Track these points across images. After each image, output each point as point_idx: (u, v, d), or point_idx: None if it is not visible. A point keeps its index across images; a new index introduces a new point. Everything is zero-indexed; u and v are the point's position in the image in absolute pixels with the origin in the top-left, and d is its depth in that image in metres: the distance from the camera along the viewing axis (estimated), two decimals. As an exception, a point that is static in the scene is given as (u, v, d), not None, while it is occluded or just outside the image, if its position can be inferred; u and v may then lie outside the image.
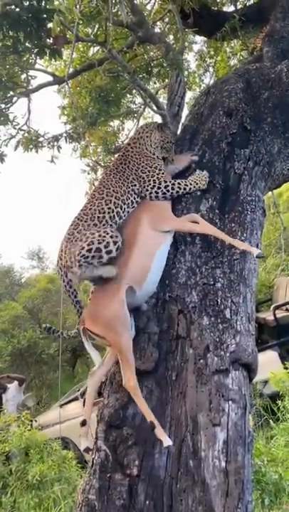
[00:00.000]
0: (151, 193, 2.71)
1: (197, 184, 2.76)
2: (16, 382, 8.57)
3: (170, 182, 2.73)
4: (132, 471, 2.12)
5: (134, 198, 2.73)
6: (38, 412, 9.48)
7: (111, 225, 2.58)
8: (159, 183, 2.71)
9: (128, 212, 2.69)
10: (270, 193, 6.29)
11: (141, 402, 2.13)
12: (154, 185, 2.71)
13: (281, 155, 3.13)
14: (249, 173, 2.91)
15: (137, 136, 2.92)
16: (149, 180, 2.72)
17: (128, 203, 2.69)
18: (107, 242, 2.40)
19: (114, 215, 2.60)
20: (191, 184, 2.76)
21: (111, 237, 2.42)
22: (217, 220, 2.74)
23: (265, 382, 6.11)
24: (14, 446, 5.51)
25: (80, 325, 2.42)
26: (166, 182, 2.72)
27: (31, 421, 6.62)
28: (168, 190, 2.72)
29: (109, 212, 2.59)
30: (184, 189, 2.74)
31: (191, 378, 2.27)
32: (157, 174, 2.74)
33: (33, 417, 7.66)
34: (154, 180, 2.72)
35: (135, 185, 2.74)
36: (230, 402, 2.20)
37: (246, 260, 2.65)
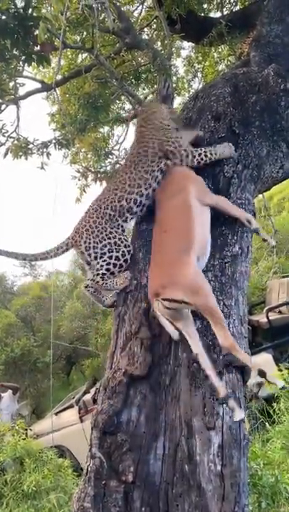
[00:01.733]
0: (187, 162, 2.81)
1: (224, 152, 2.84)
2: (9, 391, 8.51)
3: (201, 150, 2.83)
4: (127, 478, 2.10)
5: (157, 178, 2.81)
6: (33, 421, 9.40)
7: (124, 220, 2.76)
8: (191, 151, 2.82)
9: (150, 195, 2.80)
10: (260, 196, 6.33)
11: (240, 354, 2.20)
12: (187, 154, 2.81)
13: (270, 158, 3.14)
14: (238, 176, 2.92)
15: (147, 115, 2.99)
16: (180, 151, 2.81)
17: (150, 184, 2.79)
18: (123, 252, 2.66)
19: (131, 207, 2.75)
20: (219, 151, 2.84)
21: (125, 246, 2.68)
22: (208, 223, 2.74)
23: (260, 384, 6.11)
24: (9, 456, 5.45)
25: (152, 298, 2.38)
26: (196, 150, 2.83)
27: (26, 430, 6.56)
28: (202, 158, 2.81)
29: (115, 209, 2.73)
30: (214, 156, 2.83)
31: (185, 382, 2.26)
32: (182, 143, 2.84)
33: (28, 425, 7.59)
34: (184, 149, 2.82)
35: (161, 161, 2.82)
36: (224, 405, 2.20)
37: (237, 263, 2.66)
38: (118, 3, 4.47)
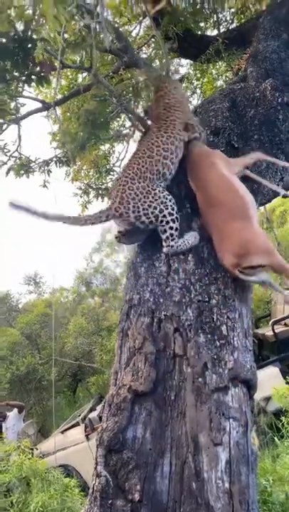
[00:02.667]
0: (203, 138, 3.03)
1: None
2: (15, 410, 8.43)
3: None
4: (133, 497, 2.06)
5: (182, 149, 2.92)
6: (39, 440, 9.30)
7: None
8: (203, 129, 3.07)
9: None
10: (262, 208, 6.34)
11: None
12: (202, 131, 3.03)
13: (270, 171, 3.17)
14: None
15: (170, 88, 3.07)
16: (198, 126, 3.02)
17: (178, 153, 2.87)
18: (172, 206, 2.66)
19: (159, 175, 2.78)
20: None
21: (170, 200, 2.67)
22: (209, 237, 2.75)
23: (268, 398, 6.02)
24: (15, 476, 5.37)
25: (233, 269, 2.50)
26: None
27: (32, 449, 6.48)
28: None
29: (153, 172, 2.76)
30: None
31: (190, 398, 2.24)
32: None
33: (34, 444, 7.50)
34: (198, 126, 3.03)
35: (186, 132, 2.95)
36: (231, 420, 2.17)
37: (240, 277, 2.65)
38: (116, 24, 4.58)
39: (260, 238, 2.56)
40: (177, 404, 2.25)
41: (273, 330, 6.99)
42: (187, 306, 2.49)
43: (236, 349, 2.35)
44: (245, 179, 3.00)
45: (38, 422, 11.26)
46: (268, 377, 6.12)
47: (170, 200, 2.68)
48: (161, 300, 2.54)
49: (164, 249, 2.66)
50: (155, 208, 2.63)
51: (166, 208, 2.64)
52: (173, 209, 2.66)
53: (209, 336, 2.37)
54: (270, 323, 7.31)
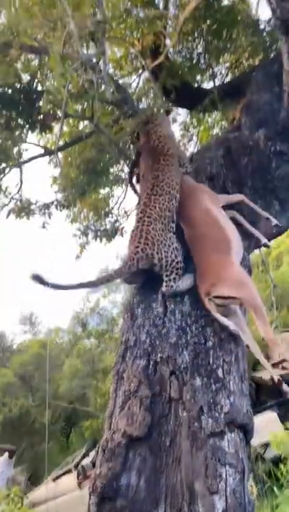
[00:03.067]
0: (187, 169, 3.24)
1: None
2: (6, 454, 8.14)
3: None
4: None
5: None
6: (29, 488, 8.91)
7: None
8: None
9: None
10: (257, 251, 6.43)
11: (278, 348, 2.36)
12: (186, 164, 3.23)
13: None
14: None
15: (165, 125, 3.30)
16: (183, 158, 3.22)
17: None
18: (181, 254, 2.75)
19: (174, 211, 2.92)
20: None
21: (180, 248, 2.77)
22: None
23: (266, 445, 5.86)
24: (3, 528, 5.13)
25: (204, 298, 2.54)
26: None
27: (22, 497, 6.21)
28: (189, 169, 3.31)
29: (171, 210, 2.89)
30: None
31: (186, 443, 2.20)
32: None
33: (24, 492, 7.19)
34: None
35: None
36: (227, 466, 2.13)
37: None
38: (117, 76, 4.83)
39: (233, 269, 2.60)
40: (172, 450, 2.21)
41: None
42: (183, 348, 2.49)
43: (232, 393, 2.34)
44: (238, 223, 3.08)
45: (29, 468, 10.84)
46: (266, 423, 5.98)
47: (179, 249, 2.78)
48: (158, 342, 2.55)
49: (164, 289, 2.71)
50: (172, 252, 2.72)
51: (179, 254, 2.75)
52: (181, 255, 2.76)
53: (205, 379, 2.36)
54: (268, 366, 7.20)
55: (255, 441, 5.59)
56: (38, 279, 2.50)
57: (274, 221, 3.12)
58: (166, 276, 2.70)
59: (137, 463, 2.16)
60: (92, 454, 7.01)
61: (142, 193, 3.08)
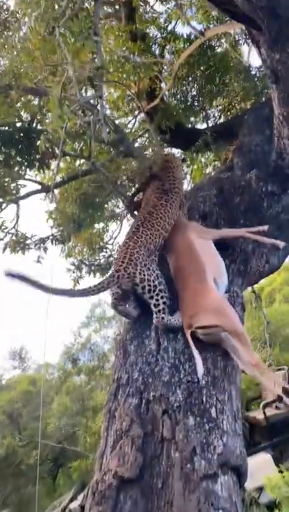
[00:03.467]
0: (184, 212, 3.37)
1: None
2: (-10, 499, 7.79)
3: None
4: None
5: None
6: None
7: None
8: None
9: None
10: (250, 288, 6.45)
11: (267, 375, 2.23)
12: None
13: (256, 253, 3.31)
14: (226, 270, 3.05)
15: (176, 167, 3.42)
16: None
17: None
18: (164, 283, 2.81)
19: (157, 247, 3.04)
20: None
21: (162, 277, 2.84)
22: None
23: (260, 489, 5.66)
24: None
25: (186, 330, 2.56)
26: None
27: None
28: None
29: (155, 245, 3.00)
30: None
31: (178, 486, 2.14)
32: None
33: None
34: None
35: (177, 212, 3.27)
36: (220, 511, 2.07)
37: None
38: (113, 117, 5.00)
39: (210, 297, 2.61)
40: (164, 492, 2.15)
41: (264, 413, 6.76)
42: (176, 386, 2.47)
43: (226, 433, 2.30)
44: (232, 260, 3.13)
45: (14, 512, 10.35)
46: (260, 465, 5.79)
47: (162, 278, 2.83)
48: (150, 380, 2.52)
49: (154, 320, 2.73)
50: (156, 278, 2.78)
51: (161, 284, 2.79)
52: (165, 287, 2.80)
53: (198, 418, 2.33)
54: (261, 405, 7.08)
55: (249, 484, 5.42)
56: (11, 274, 2.54)
57: (281, 244, 3.19)
58: (155, 306, 2.73)
59: (128, 506, 2.09)
60: (80, 497, 6.74)
61: (133, 223, 3.16)
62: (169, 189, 3.23)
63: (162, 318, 2.70)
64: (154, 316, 2.72)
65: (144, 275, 2.76)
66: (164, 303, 2.73)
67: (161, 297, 2.74)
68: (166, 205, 3.12)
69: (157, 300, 2.73)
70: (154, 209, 3.10)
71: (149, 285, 2.75)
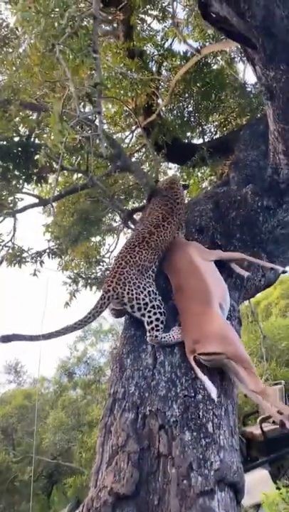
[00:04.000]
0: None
1: None
2: (-18, 517, 7.63)
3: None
4: None
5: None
6: None
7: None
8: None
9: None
10: (246, 302, 6.46)
11: (273, 402, 2.30)
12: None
13: (252, 267, 3.33)
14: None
15: (180, 189, 3.43)
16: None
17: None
18: (160, 299, 2.80)
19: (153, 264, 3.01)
20: None
21: (157, 293, 2.83)
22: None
23: (258, 506, 5.57)
24: None
25: (189, 355, 2.51)
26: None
27: None
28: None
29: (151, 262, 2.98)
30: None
31: (175, 503, 2.11)
32: None
33: None
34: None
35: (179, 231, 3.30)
36: (217, 527, 2.04)
37: (226, 370, 2.66)
38: (110, 133, 5.05)
39: (217, 325, 2.55)
40: (161, 509, 2.12)
41: (262, 428, 6.69)
42: (173, 401, 2.45)
43: (222, 448, 2.28)
44: (229, 275, 3.14)
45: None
46: (257, 481, 5.72)
47: (157, 294, 2.81)
48: (147, 394, 2.51)
49: (148, 339, 2.72)
50: (146, 295, 2.77)
51: (155, 300, 2.77)
52: (161, 303, 2.79)
53: (195, 433, 2.31)
54: (258, 420, 7.02)
55: (247, 501, 5.34)
56: (7, 338, 2.57)
57: (280, 268, 3.20)
58: (147, 324, 2.72)
59: (123, 526, 2.06)
60: (75, 514, 6.61)
61: (130, 237, 3.16)
62: (174, 210, 3.26)
63: (156, 336, 2.69)
64: (148, 333, 2.72)
65: (133, 294, 2.75)
66: (156, 319, 2.71)
67: (154, 313, 2.73)
68: (168, 228, 3.13)
69: (150, 317, 2.72)
70: (156, 229, 3.10)
71: (138, 303, 2.74)
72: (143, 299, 2.75)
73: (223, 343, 2.45)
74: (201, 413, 2.40)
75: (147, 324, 2.72)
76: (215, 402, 2.44)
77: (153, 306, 2.75)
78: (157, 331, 2.69)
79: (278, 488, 5.43)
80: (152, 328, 2.69)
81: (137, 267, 2.88)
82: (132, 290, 2.77)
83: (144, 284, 2.82)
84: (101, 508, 2.11)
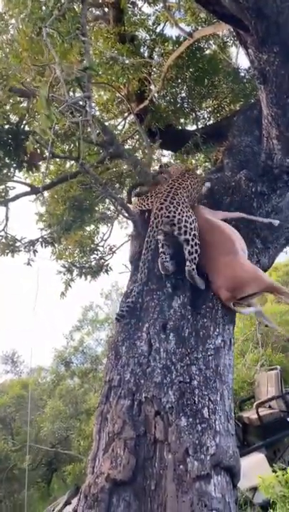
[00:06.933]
0: None
1: None
2: (-17, 505, 7.71)
3: None
4: None
5: None
6: None
7: None
8: None
9: None
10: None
11: None
12: None
13: (246, 253, 3.32)
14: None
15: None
16: None
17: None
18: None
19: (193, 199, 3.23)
20: None
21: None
22: (189, 316, 2.81)
23: (254, 489, 5.64)
24: None
25: (228, 302, 2.77)
26: None
27: None
28: None
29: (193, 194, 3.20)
30: None
31: (171, 487, 2.13)
32: None
33: None
34: None
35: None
36: (213, 512, 2.06)
37: (221, 356, 2.68)
38: (102, 119, 4.99)
39: (247, 269, 2.81)
40: (158, 494, 2.14)
41: (258, 413, 6.75)
42: (168, 387, 2.46)
43: (218, 433, 2.30)
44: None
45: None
46: (254, 465, 5.78)
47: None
48: (142, 381, 2.52)
49: (187, 268, 2.80)
50: (193, 221, 2.86)
51: (196, 229, 2.89)
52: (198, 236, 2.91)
53: (190, 419, 2.33)
54: (254, 405, 7.08)
55: (243, 484, 5.40)
56: None
57: (276, 222, 3.32)
58: (189, 253, 2.79)
59: (121, 509, 2.09)
60: (75, 501, 6.68)
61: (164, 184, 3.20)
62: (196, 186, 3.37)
63: (193, 269, 2.80)
64: (189, 263, 2.79)
65: (183, 216, 2.82)
66: (196, 251, 2.82)
67: (196, 244, 2.83)
68: (196, 181, 3.28)
69: (192, 247, 2.81)
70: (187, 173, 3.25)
71: (186, 228, 2.81)
72: (190, 228, 2.83)
73: (257, 282, 2.75)
74: (196, 399, 2.41)
75: (189, 254, 2.80)
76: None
77: (195, 235, 2.84)
78: (195, 264, 2.80)
79: (274, 472, 5.50)
80: (192, 260, 2.79)
81: (188, 192, 3.02)
82: (184, 213, 2.84)
83: (192, 213, 2.91)
84: (98, 494, 2.12)
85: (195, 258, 2.81)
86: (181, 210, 2.84)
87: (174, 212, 2.83)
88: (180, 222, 2.81)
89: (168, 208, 2.84)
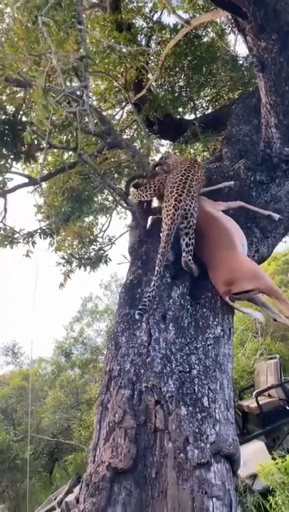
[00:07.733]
0: None
1: None
2: (-15, 494, 7.79)
3: None
4: None
5: None
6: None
7: None
8: None
9: None
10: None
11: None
12: None
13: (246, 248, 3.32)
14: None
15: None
16: None
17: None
18: None
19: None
20: None
21: None
22: (189, 306, 2.82)
23: (254, 476, 5.71)
24: None
25: (224, 296, 2.75)
26: None
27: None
28: None
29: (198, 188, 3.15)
30: None
31: (172, 475, 2.15)
32: None
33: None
34: None
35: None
36: (214, 499, 2.08)
37: (220, 345, 2.68)
38: (100, 109, 4.95)
39: (246, 264, 2.78)
40: (158, 482, 2.16)
41: (257, 401, 6.82)
42: (168, 376, 2.47)
43: (218, 422, 2.31)
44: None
45: (10, 506, 10.37)
46: (253, 453, 5.85)
47: None
48: (142, 371, 2.53)
49: (184, 259, 2.85)
50: (195, 221, 2.89)
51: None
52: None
53: (190, 408, 2.34)
54: (254, 394, 7.14)
55: (243, 472, 5.46)
56: None
57: (276, 216, 3.31)
58: (187, 245, 2.84)
59: (122, 497, 2.10)
60: (77, 489, 6.76)
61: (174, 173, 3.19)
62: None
63: (189, 259, 2.84)
64: (185, 254, 2.84)
65: (194, 212, 2.87)
66: (192, 244, 2.86)
67: (193, 237, 2.87)
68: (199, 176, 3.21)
69: (190, 239, 2.85)
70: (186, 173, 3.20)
71: (192, 222, 2.86)
72: (194, 222, 2.87)
73: (255, 279, 2.70)
74: (196, 388, 2.42)
75: (186, 245, 2.85)
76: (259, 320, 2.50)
77: (194, 230, 2.87)
78: (191, 255, 2.84)
79: (274, 459, 5.57)
80: (188, 251, 2.83)
81: (198, 184, 3.05)
82: (195, 208, 2.89)
83: (196, 210, 2.94)
84: (99, 483, 2.14)
85: (191, 250, 2.86)
86: (194, 204, 2.88)
87: (190, 206, 2.86)
88: (191, 217, 2.85)
89: (185, 200, 2.86)
